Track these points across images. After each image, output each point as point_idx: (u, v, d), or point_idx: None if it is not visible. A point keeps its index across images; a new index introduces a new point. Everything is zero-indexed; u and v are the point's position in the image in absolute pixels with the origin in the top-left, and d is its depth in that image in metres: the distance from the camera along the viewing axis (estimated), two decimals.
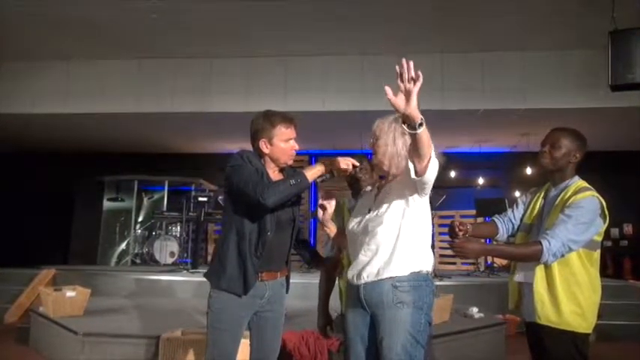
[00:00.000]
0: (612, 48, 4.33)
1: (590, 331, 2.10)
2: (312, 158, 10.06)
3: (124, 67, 7.18)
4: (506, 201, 7.64)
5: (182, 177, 9.14)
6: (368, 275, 1.98)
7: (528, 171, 8.76)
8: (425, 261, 2.00)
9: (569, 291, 2.07)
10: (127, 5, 5.59)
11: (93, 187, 9.94)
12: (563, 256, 2.05)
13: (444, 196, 7.25)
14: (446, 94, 6.71)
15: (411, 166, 1.81)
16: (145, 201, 10.21)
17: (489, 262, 7.86)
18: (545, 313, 2.08)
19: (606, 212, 2.11)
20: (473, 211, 8.18)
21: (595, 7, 5.05)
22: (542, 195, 2.33)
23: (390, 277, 1.94)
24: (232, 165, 2.16)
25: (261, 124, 2.23)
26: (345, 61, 6.83)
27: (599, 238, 2.12)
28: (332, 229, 2.29)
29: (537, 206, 2.30)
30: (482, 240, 2.34)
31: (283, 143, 2.23)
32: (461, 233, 2.13)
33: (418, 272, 1.96)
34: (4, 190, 9.61)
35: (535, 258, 2.05)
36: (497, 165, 9.49)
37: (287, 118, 2.26)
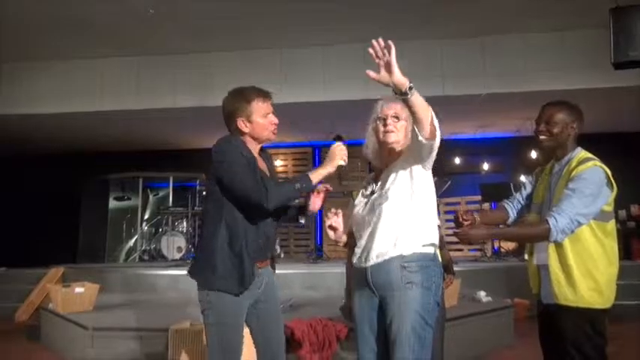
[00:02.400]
0: (614, 25, 4.27)
1: (607, 306, 2.03)
2: (316, 150, 10.06)
3: (124, 64, 7.17)
4: (512, 185, 7.61)
5: (186, 172, 9.16)
6: (377, 255, 1.95)
7: (533, 155, 8.71)
8: (431, 236, 1.98)
9: (583, 267, 2.01)
10: (125, 2, 5.58)
11: (98, 186, 9.98)
12: (573, 231, 1.97)
13: (448, 183, 7.22)
14: (447, 80, 6.66)
15: (417, 132, 1.81)
16: (151, 198, 10.26)
17: (496, 247, 7.85)
18: (563, 292, 2.03)
19: (612, 180, 2.03)
20: (478, 197, 8.16)
21: None
22: (547, 172, 2.29)
23: (398, 256, 1.92)
24: (222, 160, 2.08)
25: (235, 104, 2.15)
26: (345, 50, 6.79)
27: (610, 208, 2.05)
28: (344, 239, 2.22)
29: (544, 183, 2.26)
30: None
31: (262, 119, 2.15)
32: (466, 223, 2.09)
33: (426, 253, 1.95)
34: (11, 192, 9.68)
35: (543, 237, 1.98)
36: (501, 150, 9.44)
37: (262, 92, 2.18)
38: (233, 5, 5.74)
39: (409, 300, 1.88)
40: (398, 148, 2.07)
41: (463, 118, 8.10)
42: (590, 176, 2.00)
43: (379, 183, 2.07)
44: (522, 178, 8.84)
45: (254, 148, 2.19)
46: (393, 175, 2.00)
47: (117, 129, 8.47)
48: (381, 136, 2.08)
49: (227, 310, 2.08)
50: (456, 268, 5.96)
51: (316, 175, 2.08)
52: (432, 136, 1.81)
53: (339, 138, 2.23)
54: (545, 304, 2.13)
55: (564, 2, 5.70)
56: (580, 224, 1.98)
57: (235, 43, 6.80)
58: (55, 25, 6.05)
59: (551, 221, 1.95)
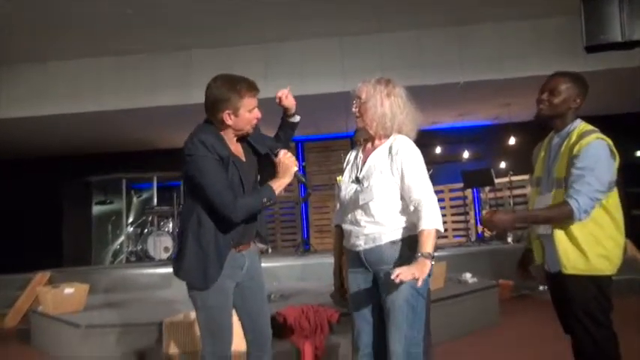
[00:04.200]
0: (584, 10, 4.40)
1: (614, 272, 2.05)
2: (299, 145, 10.11)
3: (101, 64, 7.10)
4: (492, 171, 7.78)
5: (170, 172, 9.11)
6: (365, 242, 2.05)
7: (512, 141, 8.90)
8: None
9: (590, 235, 2.01)
10: (101, 2, 5.54)
11: (80, 189, 9.88)
12: (593, 208, 1.99)
13: (430, 171, 7.33)
14: (425, 70, 6.76)
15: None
16: (135, 200, 10.20)
17: (480, 232, 8.01)
18: (571, 261, 2.03)
19: (614, 150, 2.03)
20: (460, 184, 8.31)
21: None
22: (544, 146, 2.28)
23: (388, 242, 2.01)
24: (192, 154, 2.03)
25: (225, 94, 2.08)
26: (324, 44, 6.85)
27: (614, 177, 2.05)
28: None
29: (541, 157, 2.26)
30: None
31: (248, 113, 2.12)
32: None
33: (416, 234, 2.00)
34: None
35: (567, 218, 1.99)
36: (480, 138, 9.62)
37: (253, 86, 2.14)
38: (211, 2, 5.75)
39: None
40: (371, 131, 2.12)
41: (443, 107, 8.23)
42: (597, 151, 1.99)
43: (363, 171, 2.11)
44: (503, 164, 9.03)
45: (231, 137, 2.18)
46: (377, 169, 2.06)
47: (97, 130, 8.39)
48: None
49: (210, 294, 2.11)
50: (442, 253, 6.13)
51: (277, 186, 2.11)
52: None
53: (276, 154, 2.25)
54: (551, 273, 2.13)
55: None
56: (599, 200, 1.99)
57: (214, 40, 6.80)
58: (29, 27, 5.98)
59: (573, 203, 1.96)
